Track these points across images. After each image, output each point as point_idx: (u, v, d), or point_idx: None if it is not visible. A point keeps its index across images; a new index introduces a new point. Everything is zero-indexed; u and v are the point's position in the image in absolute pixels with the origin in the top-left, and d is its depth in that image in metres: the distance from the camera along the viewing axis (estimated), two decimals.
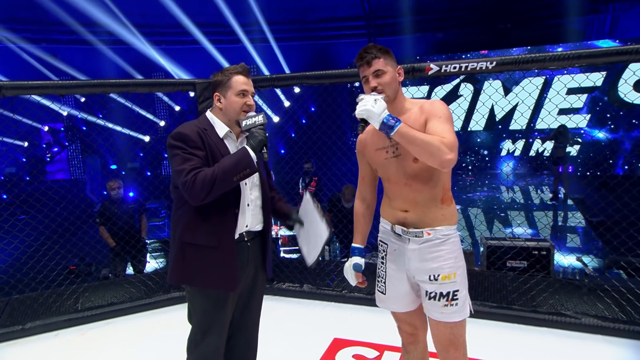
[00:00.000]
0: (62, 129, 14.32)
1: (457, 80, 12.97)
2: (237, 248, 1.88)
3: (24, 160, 13.83)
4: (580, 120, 12.05)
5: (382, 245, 1.94)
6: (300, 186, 6.93)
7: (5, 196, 11.04)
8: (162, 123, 13.84)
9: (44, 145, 14.22)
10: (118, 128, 12.35)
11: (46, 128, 13.96)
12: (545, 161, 12.26)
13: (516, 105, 12.19)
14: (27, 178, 12.81)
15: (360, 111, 1.66)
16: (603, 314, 2.95)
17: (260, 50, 13.35)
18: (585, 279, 3.98)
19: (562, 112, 10.41)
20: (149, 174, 13.63)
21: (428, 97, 12.15)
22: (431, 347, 1.94)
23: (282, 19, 13.68)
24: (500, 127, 13.18)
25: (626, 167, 11.74)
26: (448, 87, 13.16)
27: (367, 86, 1.76)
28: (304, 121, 13.59)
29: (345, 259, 2.35)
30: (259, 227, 1.98)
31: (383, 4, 13.38)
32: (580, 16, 11.75)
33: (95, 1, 11.16)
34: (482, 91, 12.80)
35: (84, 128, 14.33)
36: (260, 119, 1.86)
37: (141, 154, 13.87)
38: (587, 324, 2.91)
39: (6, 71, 11.67)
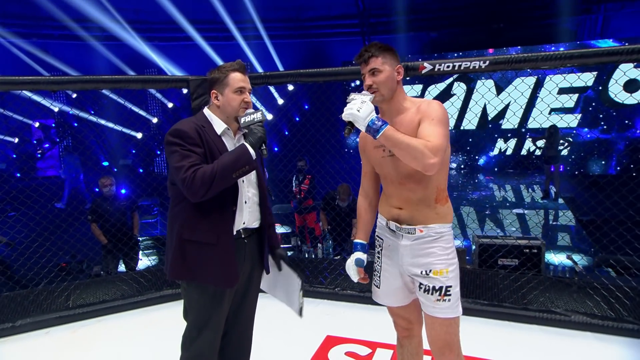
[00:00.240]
0: (53, 125, 14.16)
1: (451, 80, 13.04)
2: (235, 245, 1.88)
3: (14, 156, 13.66)
4: (571, 120, 12.16)
5: (378, 240, 1.97)
6: (294, 184, 6.92)
7: None
8: (154, 120, 13.74)
9: (35, 142, 14.06)
10: (110, 125, 12.23)
11: (37, 124, 13.80)
12: (536, 160, 12.35)
13: (508, 104, 12.28)
14: (18, 174, 12.67)
15: (345, 115, 1.68)
16: (592, 311, 2.98)
17: (254, 48, 13.29)
18: (575, 277, 4.02)
19: (554, 110, 10.52)
20: (141, 171, 13.54)
21: (422, 96, 12.18)
22: (425, 346, 1.95)
23: (276, 16, 13.65)
24: (490, 126, 13.27)
25: (618, 168, 11.85)
26: (442, 86, 13.21)
27: (365, 84, 1.79)
28: (297, 119, 13.56)
29: (339, 257, 2.36)
30: (256, 224, 1.98)
31: (377, 3, 13.36)
32: (572, 16, 11.85)
33: None
34: (475, 90, 12.87)
35: (76, 124, 14.19)
36: (258, 115, 1.86)
37: (133, 151, 13.77)
38: (576, 322, 2.94)
39: None
